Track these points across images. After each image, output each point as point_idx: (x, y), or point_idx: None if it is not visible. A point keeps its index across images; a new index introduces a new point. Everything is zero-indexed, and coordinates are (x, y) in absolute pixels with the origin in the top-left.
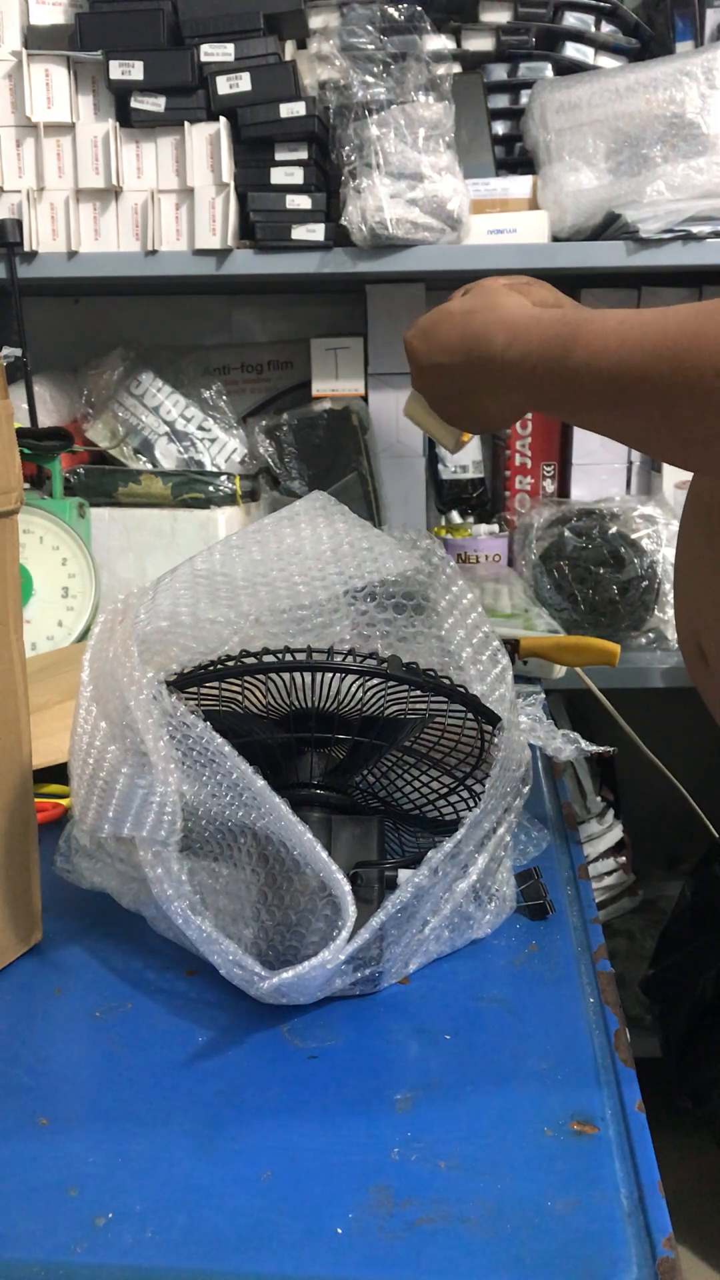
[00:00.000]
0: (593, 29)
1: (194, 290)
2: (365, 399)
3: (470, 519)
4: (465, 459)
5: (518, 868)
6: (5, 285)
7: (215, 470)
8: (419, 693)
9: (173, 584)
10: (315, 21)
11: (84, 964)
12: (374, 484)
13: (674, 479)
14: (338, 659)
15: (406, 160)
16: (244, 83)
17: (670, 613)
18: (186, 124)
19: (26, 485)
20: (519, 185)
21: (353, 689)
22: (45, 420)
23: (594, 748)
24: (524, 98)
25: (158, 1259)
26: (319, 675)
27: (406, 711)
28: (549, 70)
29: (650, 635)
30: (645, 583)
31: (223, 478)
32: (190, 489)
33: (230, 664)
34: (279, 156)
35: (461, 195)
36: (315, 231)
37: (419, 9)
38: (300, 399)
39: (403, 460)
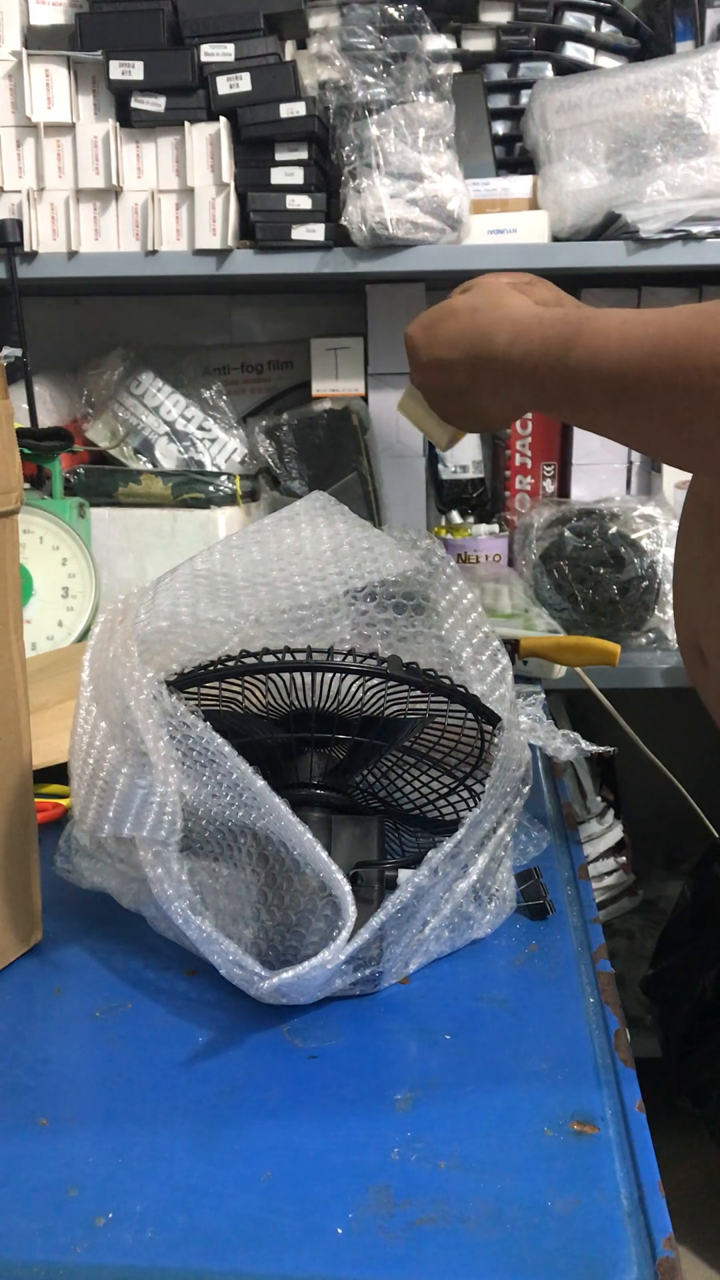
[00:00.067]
0: (593, 29)
1: (194, 290)
2: (365, 399)
3: (470, 519)
4: (465, 459)
5: (518, 868)
6: (5, 285)
7: (215, 470)
8: (419, 693)
9: (173, 584)
10: (315, 21)
11: (84, 964)
12: (374, 484)
13: (674, 479)
14: (338, 659)
15: (406, 160)
16: (244, 83)
17: (670, 613)
18: (186, 124)
19: (26, 485)
20: (519, 185)
21: (353, 689)
22: (45, 420)
23: (594, 748)
24: (524, 98)
25: (158, 1259)
26: (319, 675)
27: (406, 711)
28: (549, 70)
29: (650, 635)
30: (645, 583)
31: (223, 478)
32: (190, 489)
33: (230, 664)
34: (279, 156)
35: (461, 195)
36: (315, 231)
37: (419, 9)
38: (300, 399)
39: (403, 460)
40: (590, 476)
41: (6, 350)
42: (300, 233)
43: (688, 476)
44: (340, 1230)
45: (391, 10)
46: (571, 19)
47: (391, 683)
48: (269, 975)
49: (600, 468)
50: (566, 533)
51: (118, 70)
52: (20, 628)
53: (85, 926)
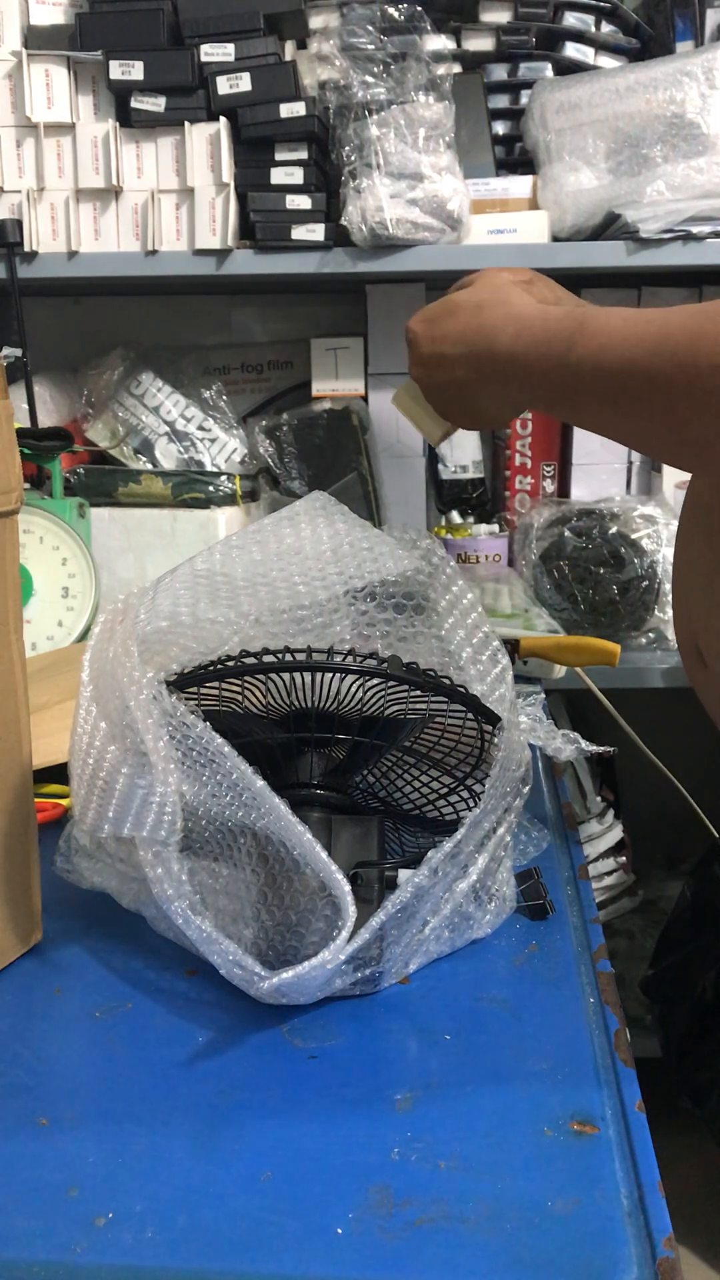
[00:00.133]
0: (593, 29)
1: (194, 290)
2: (365, 399)
3: (470, 519)
4: (465, 459)
5: (518, 868)
6: (5, 285)
7: (215, 470)
8: (419, 693)
9: (173, 584)
10: (315, 21)
11: (84, 964)
12: (374, 484)
13: (674, 479)
14: (338, 659)
15: (406, 160)
16: (244, 83)
17: (670, 613)
18: (186, 124)
19: (26, 485)
20: (519, 185)
21: (353, 689)
22: (45, 420)
23: (594, 748)
24: (524, 98)
25: (158, 1259)
26: (319, 675)
27: (406, 711)
28: (549, 70)
29: (650, 635)
30: (645, 583)
31: (223, 478)
32: (190, 489)
33: (230, 664)
34: (279, 156)
35: (461, 195)
36: (315, 231)
37: (419, 9)
38: (300, 399)
39: (403, 460)
40: (590, 476)
41: (6, 350)
42: (300, 233)
43: (688, 476)
44: (340, 1230)
45: (391, 10)
46: (571, 19)
47: (391, 683)
48: (269, 975)
49: (600, 468)
50: (566, 533)
51: (118, 70)
52: (20, 628)
53: (85, 926)
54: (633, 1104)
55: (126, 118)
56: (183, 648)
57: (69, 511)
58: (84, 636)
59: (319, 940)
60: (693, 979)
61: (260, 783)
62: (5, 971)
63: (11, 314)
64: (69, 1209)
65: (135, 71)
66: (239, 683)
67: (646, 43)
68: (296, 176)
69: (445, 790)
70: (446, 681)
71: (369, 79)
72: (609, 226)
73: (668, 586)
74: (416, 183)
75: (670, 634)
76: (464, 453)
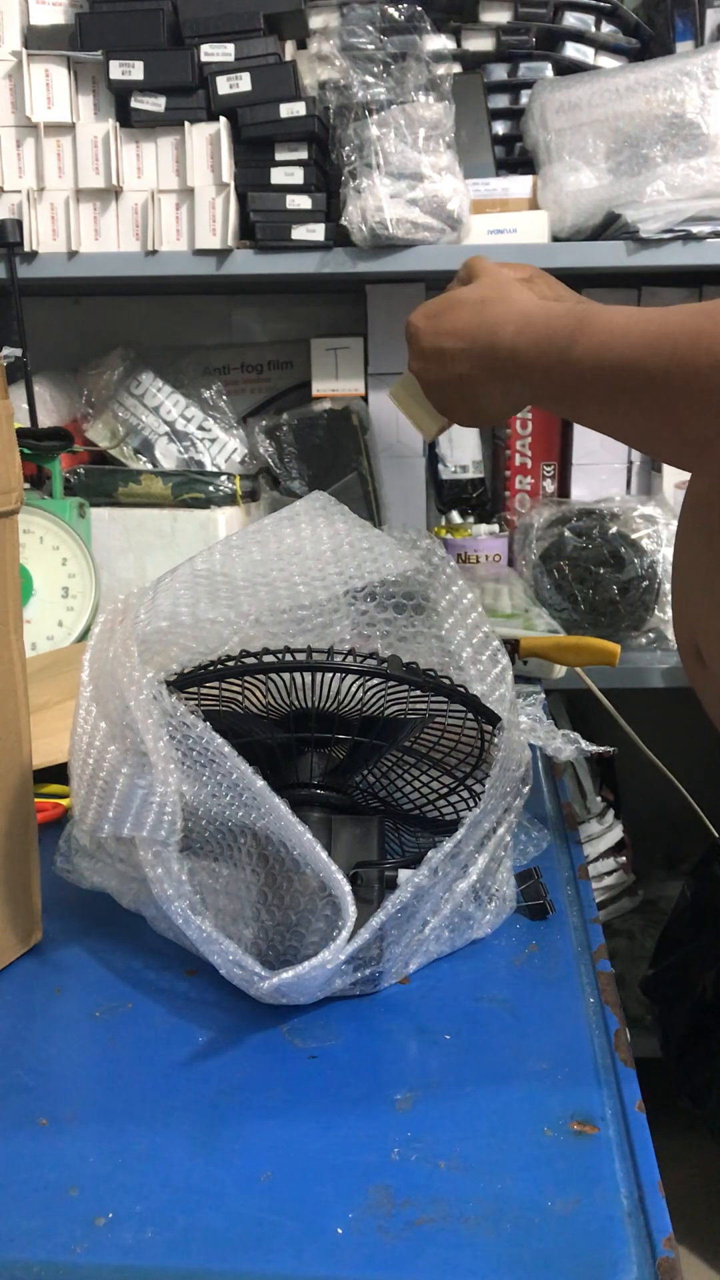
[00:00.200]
0: (593, 29)
1: (194, 290)
2: (365, 399)
3: (470, 519)
4: (465, 459)
5: (518, 868)
6: (5, 285)
7: (215, 470)
8: (419, 693)
9: (173, 584)
10: (315, 21)
11: (84, 964)
12: (374, 484)
13: (674, 479)
14: (338, 659)
15: (406, 160)
16: (244, 83)
17: (670, 613)
18: (186, 124)
19: (26, 485)
20: (519, 185)
21: (353, 689)
22: (45, 420)
23: (594, 748)
24: (524, 98)
25: (158, 1259)
26: (319, 675)
27: (406, 711)
28: (549, 70)
29: (650, 635)
30: (645, 583)
31: (223, 478)
32: (190, 489)
33: (230, 664)
34: (279, 156)
35: (461, 195)
36: (315, 231)
37: (419, 9)
38: (300, 399)
39: (403, 460)
40: (590, 476)
41: (6, 350)
42: (300, 233)
43: (688, 476)
44: (340, 1230)
45: (391, 10)
46: (571, 19)
47: (391, 683)
48: (269, 975)
49: (600, 468)
50: (566, 533)
51: (118, 70)
52: (20, 628)
53: (85, 926)
54: (633, 1104)
55: (126, 118)
56: (183, 648)
57: (69, 511)
58: (84, 636)
59: (319, 940)
60: (693, 979)
61: (260, 783)
62: (5, 971)
63: (11, 314)
64: (69, 1209)
65: (135, 71)
66: (239, 683)
67: (646, 43)
68: (296, 176)
69: (445, 790)
70: (446, 681)
71: (369, 79)
72: (609, 226)
73: (668, 586)
74: (416, 183)
75: (670, 634)
76: (464, 453)
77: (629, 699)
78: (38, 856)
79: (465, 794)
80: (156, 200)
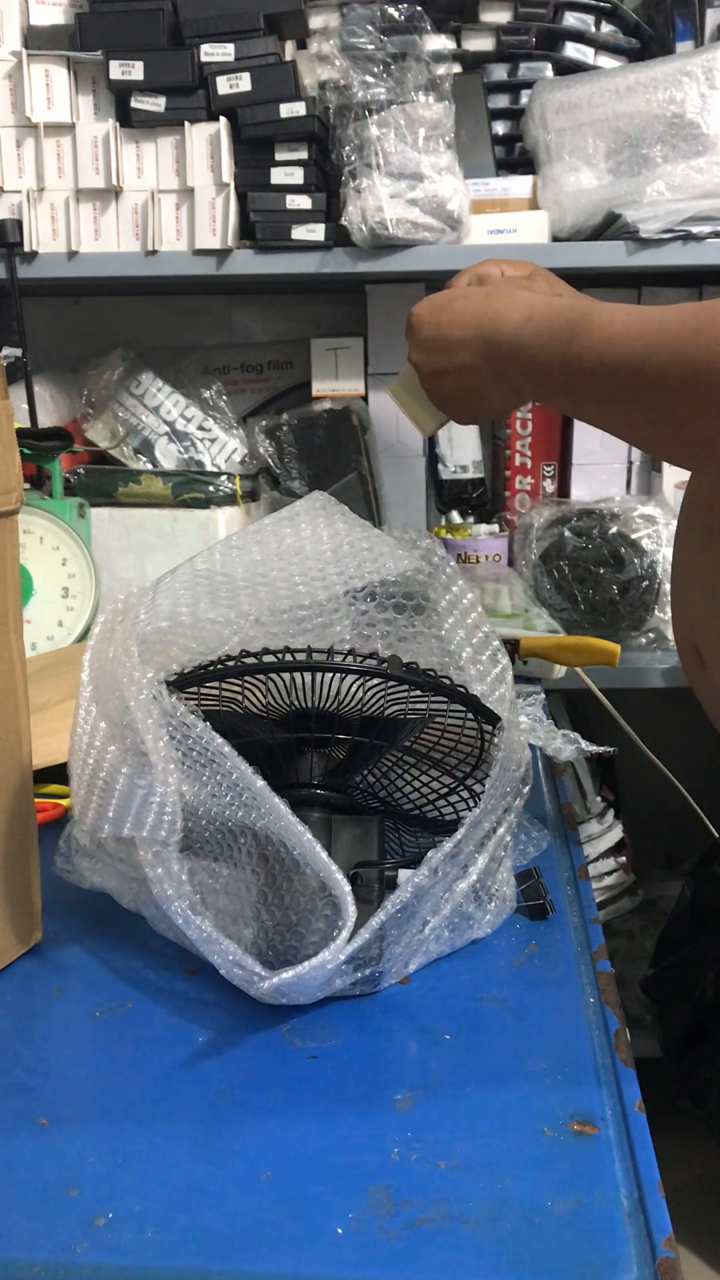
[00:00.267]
0: (593, 29)
1: (194, 290)
2: (365, 399)
3: (470, 519)
4: (465, 459)
5: (518, 868)
6: (5, 285)
7: (215, 470)
8: (419, 693)
9: (173, 584)
10: (315, 21)
11: (84, 964)
12: (374, 484)
13: (674, 479)
14: (338, 659)
15: (406, 160)
16: (244, 83)
17: (670, 613)
18: (186, 124)
19: (26, 485)
20: (519, 185)
21: (353, 689)
22: (45, 420)
23: (594, 748)
24: (524, 98)
25: (158, 1259)
26: (319, 675)
27: (406, 711)
28: (549, 70)
29: (650, 635)
30: (645, 583)
31: (223, 478)
32: (190, 489)
33: (230, 664)
34: (279, 156)
35: (461, 195)
36: (315, 231)
37: (419, 9)
38: (300, 399)
39: (403, 460)
40: (590, 476)
41: (6, 350)
42: (300, 233)
43: (688, 476)
44: (340, 1230)
45: (391, 10)
46: (571, 19)
47: (391, 683)
48: (269, 975)
49: (600, 468)
50: (566, 533)
51: (118, 70)
52: (20, 628)
53: (85, 926)
54: (633, 1104)
55: (126, 118)
56: (183, 648)
57: (69, 511)
58: (84, 636)
59: (319, 940)
60: (693, 979)
61: (260, 783)
62: (5, 971)
63: (11, 314)
64: (69, 1209)
65: (135, 71)
66: (239, 683)
67: (646, 43)
68: (296, 176)
69: (445, 790)
70: (446, 681)
71: (369, 79)
72: (609, 226)
73: (668, 586)
74: (416, 183)
75: (670, 634)
76: (464, 453)
77: (629, 699)
78: (38, 856)
79: (465, 794)
80: (156, 200)
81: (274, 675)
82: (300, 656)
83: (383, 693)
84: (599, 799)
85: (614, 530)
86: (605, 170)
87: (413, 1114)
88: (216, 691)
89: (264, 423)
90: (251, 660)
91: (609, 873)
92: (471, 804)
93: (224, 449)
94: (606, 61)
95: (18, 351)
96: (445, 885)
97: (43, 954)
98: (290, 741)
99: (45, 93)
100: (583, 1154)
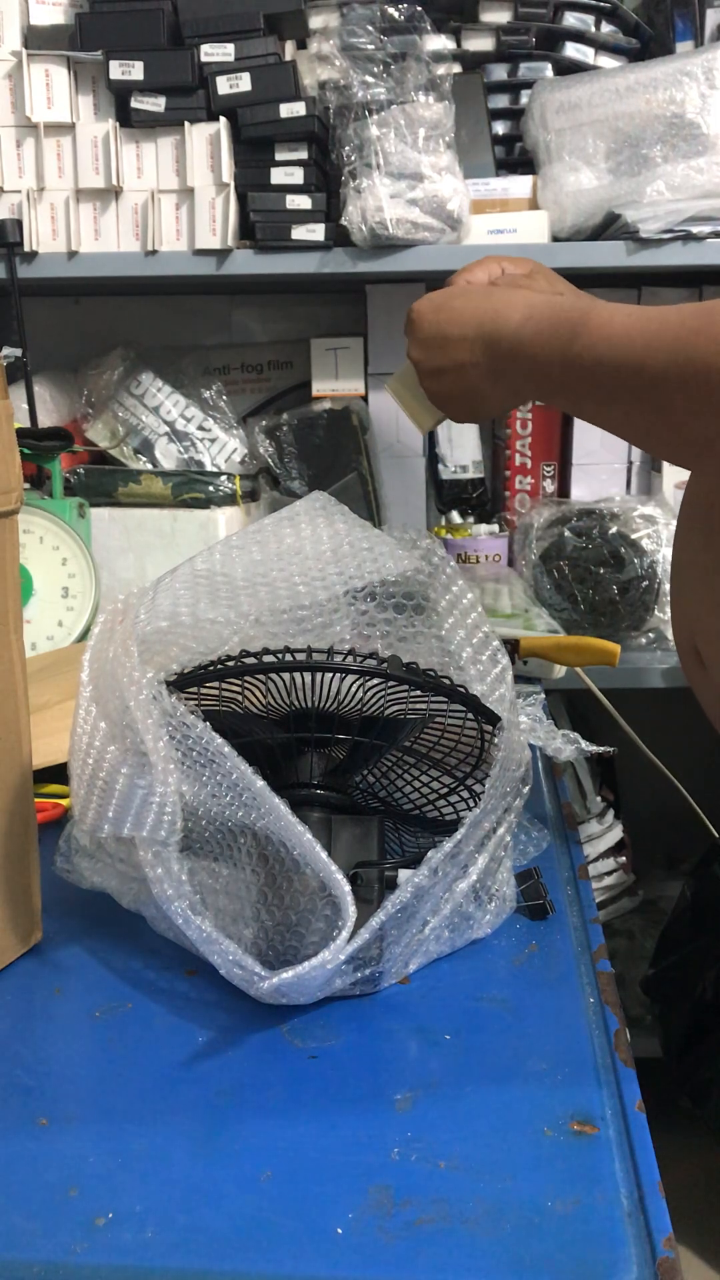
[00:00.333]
0: (593, 29)
1: (194, 290)
2: (365, 399)
3: (470, 519)
4: (465, 459)
5: (518, 868)
6: (5, 285)
7: (215, 470)
8: (419, 693)
9: (173, 584)
10: (315, 21)
11: (84, 964)
12: (374, 484)
13: (674, 479)
14: (338, 659)
15: (406, 160)
16: (244, 83)
17: (670, 613)
18: (186, 124)
19: (26, 485)
20: (519, 185)
21: (353, 689)
22: (45, 420)
23: (594, 748)
24: (524, 98)
25: (158, 1259)
26: (319, 675)
27: (406, 711)
28: (549, 70)
29: (650, 635)
30: (645, 583)
31: (223, 478)
32: (190, 489)
33: (230, 664)
34: (279, 156)
35: (461, 195)
36: (315, 231)
37: (419, 9)
38: (300, 399)
39: (403, 460)
40: (590, 476)
41: (6, 350)
42: (300, 233)
43: (688, 476)
44: (340, 1230)
45: (391, 10)
46: (571, 19)
47: (391, 683)
48: (269, 975)
49: (600, 468)
50: (566, 533)
51: (118, 70)
52: (20, 628)
53: (85, 926)
54: (633, 1104)
55: (126, 118)
56: (183, 648)
57: (69, 511)
58: (84, 636)
59: (319, 940)
60: (693, 979)
61: (260, 783)
62: (5, 971)
63: (11, 314)
64: (69, 1209)
65: (135, 71)
66: (239, 683)
67: (646, 43)
68: (296, 176)
69: (445, 790)
70: (446, 681)
71: (369, 79)
72: (609, 226)
73: (668, 586)
74: (416, 183)
75: (670, 634)
76: (464, 453)
77: (629, 699)
78: (38, 856)
79: (465, 794)
80: (156, 200)
81: (274, 675)
82: (300, 656)
83: (383, 693)
84: (599, 799)
85: (614, 530)
86: (605, 170)
87: (413, 1114)
88: (216, 691)
89: (264, 423)
90: (251, 660)
91: (609, 873)
92: (471, 804)
93: (224, 449)
94: (606, 61)
95: (18, 351)
96: (445, 885)
97: (43, 954)
98: (290, 741)
99: (45, 93)
100: (583, 1154)
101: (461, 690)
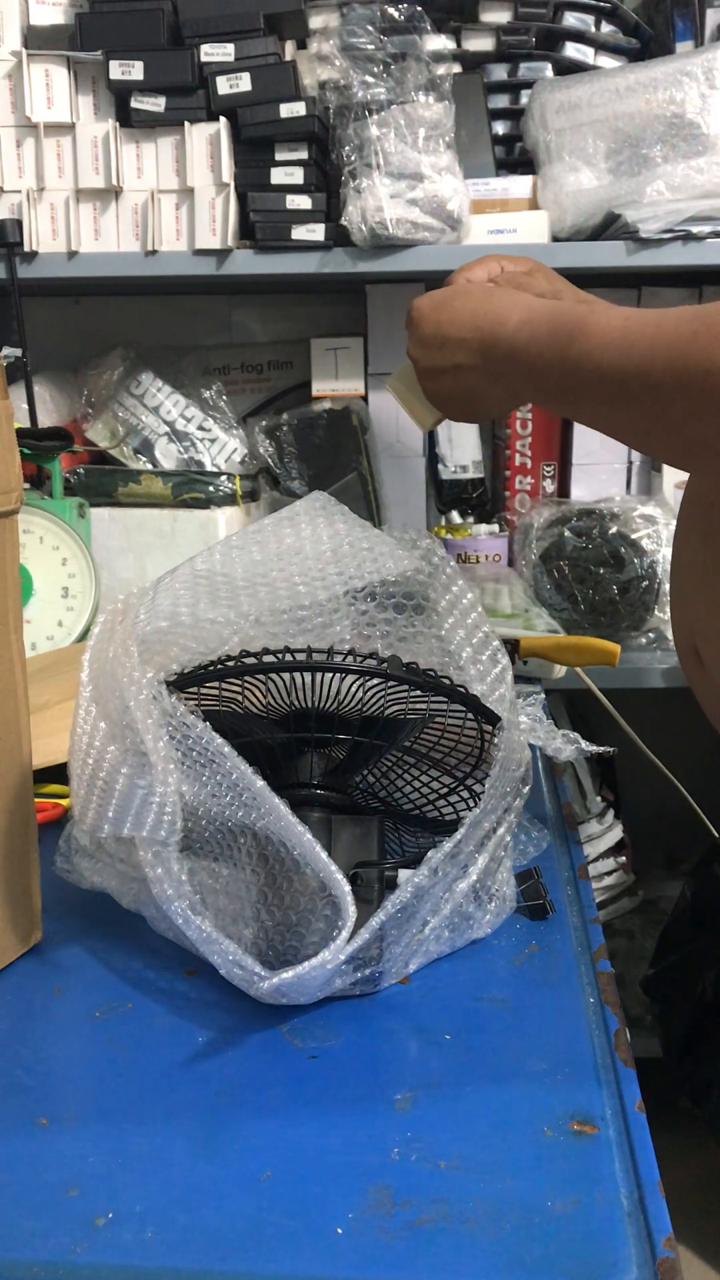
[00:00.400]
0: (593, 29)
1: (194, 290)
2: (365, 399)
3: (470, 519)
4: (465, 459)
5: (518, 868)
6: (5, 285)
7: (215, 470)
8: (419, 693)
9: (173, 584)
10: (315, 21)
11: (84, 964)
12: (374, 484)
13: (674, 479)
14: (338, 659)
15: (406, 160)
16: (244, 83)
17: (670, 613)
18: (186, 124)
19: (26, 485)
20: (519, 185)
21: (353, 689)
22: (45, 420)
23: (594, 748)
24: (524, 98)
25: (158, 1259)
26: (319, 675)
27: (406, 711)
28: (549, 70)
29: (650, 635)
30: (645, 583)
31: (223, 478)
32: (190, 489)
33: (230, 664)
34: (279, 156)
35: (461, 195)
36: (315, 231)
37: (419, 9)
38: (300, 399)
39: (403, 460)
40: (590, 476)
41: (6, 350)
42: (300, 233)
43: (687, 476)
44: (340, 1230)
45: (391, 10)
46: (571, 19)
47: (391, 683)
48: (269, 975)
49: (600, 468)
50: (566, 533)
51: (118, 70)
52: (20, 628)
53: (85, 926)
54: (633, 1104)
55: (126, 118)
56: (183, 648)
57: (69, 511)
58: (84, 636)
59: (319, 940)
60: (693, 979)
61: (260, 783)
62: (5, 971)
63: (11, 314)
64: (69, 1209)
65: (135, 71)
66: (239, 683)
67: (646, 43)
68: (296, 176)
69: (445, 790)
70: (446, 681)
71: (369, 79)
72: (609, 226)
73: (668, 586)
74: (416, 183)
75: (670, 634)
76: (464, 453)
77: (629, 699)
78: (38, 856)
79: (465, 794)
80: (156, 200)
81: (274, 675)
82: (300, 656)
83: (383, 693)
84: (599, 799)
85: (614, 530)
86: (605, 170)
87: (413, 1114)
88: (216, 691)
89: (264, 423)
90: (251, 660)
91: (609, 873)
92: (471, 804)
93: (224, 449)
94: (606, 61)
95: (18, 351)
96: (445, 885)
97: (43, 954)
98: (290, 741)
99: (45, 93)
100: (583, 1154)
101: (461, 690)
